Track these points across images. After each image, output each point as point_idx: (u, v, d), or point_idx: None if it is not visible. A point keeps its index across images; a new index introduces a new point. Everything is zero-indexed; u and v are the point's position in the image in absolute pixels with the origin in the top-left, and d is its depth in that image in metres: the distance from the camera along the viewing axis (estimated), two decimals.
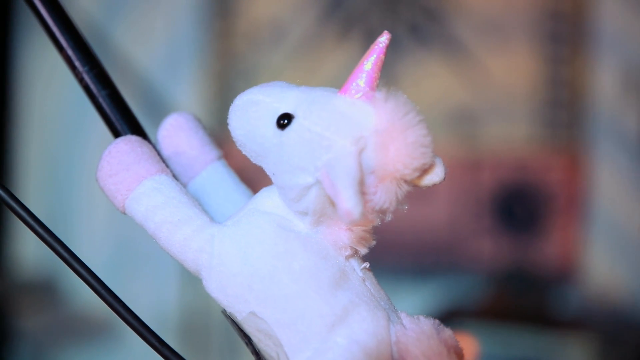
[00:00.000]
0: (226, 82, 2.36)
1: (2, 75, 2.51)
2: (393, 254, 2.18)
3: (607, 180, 2.21)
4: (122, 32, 2.43)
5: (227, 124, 0.59)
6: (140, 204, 0.58)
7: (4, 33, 2.51)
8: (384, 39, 0.57)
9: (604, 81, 2.23)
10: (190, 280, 2.20)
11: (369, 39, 2.17)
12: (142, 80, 2.24)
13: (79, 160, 2.47)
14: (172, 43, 2.45)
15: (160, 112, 2.14)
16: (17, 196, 0.59)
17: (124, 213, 0.59)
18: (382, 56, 0.57)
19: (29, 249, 2.44)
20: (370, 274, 0.59)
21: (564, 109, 2.22)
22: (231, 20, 2.38)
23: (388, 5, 2.29)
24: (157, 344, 0.59)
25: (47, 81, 2.49)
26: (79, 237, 2.32)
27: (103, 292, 0.59)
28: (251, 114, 0.58)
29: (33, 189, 2.47)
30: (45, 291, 2.38)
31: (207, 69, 2.40)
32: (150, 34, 2.45)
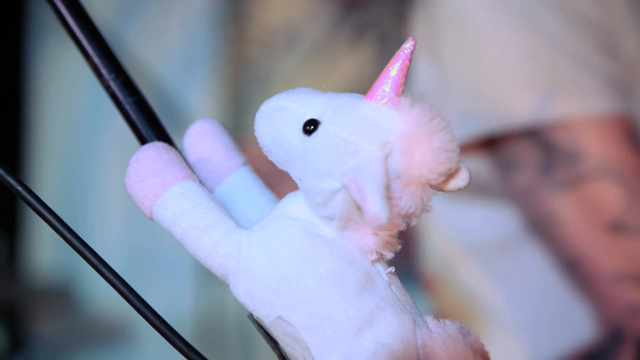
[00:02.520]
0: (239, 87, 2.36)
1: (16, 79, 2.52)
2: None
3: None
4: (136, 37, 2.44)
5: (254, 130, 0.60)
6: (167, 209, 0.59)
7: (17, 36, 2.52)
8: (409, 45, 0.58)
9: None
10: (206, 286, 2.20)
11: (382, 44, 2.17)
12: (156, 86, 2.25)
13: (93, 167, 2.47)
14: (185, 48, 2.46)
15: (173, 117, 2.15)
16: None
17: (152, 219, 0.60)
18: (407, 62, 0.57)
19: (44, 255, 2.45)
20: (395, 278, 0.59)
21: None
22: (245, 25, 2.39)
23: (401, 10, 2.29)
24: (183, 347, 0.59)
25: (60, 85, 2.51)
26: (93, 243, 2.33)
27: (127, 292, 0.60)
28: (277, 120, 0.58)
29: (46, 195, 2.49)
30: (60, 297, 2.39)
31: (221, 74, 2.41)
32: (164, 40, 2.46)
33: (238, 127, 2.24)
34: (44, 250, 2.44)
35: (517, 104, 1.06)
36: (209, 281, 2.10)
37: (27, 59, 2.54)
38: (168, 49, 2.46)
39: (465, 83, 1.09)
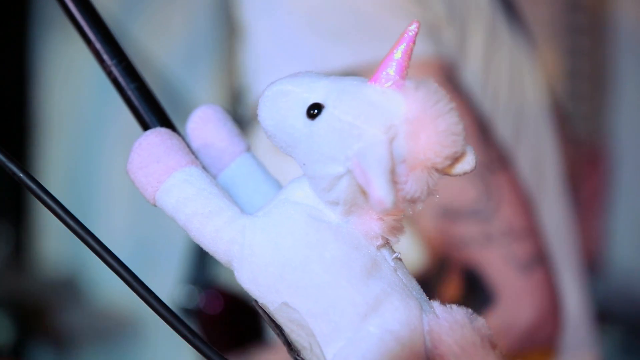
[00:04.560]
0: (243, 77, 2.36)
1: (22, 71, 2.52)
2: None
3: (629, 172, 2.19)
4: (140, 27, 2.43)
5: (257, 115, 0.59)
6: (170, 196, 0.58)
7: (22, 29, 2.52)
8: (413, 27, 0.57)
9: (624, 73, 2.21)
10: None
11: None
12: (160, 76, 2.25)
13: (98, 157, 2.47)
14: (189, 38, 2.46)
15: (178, 106, 2.15)
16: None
17: (155, 205, 0.59)
18: (411, 44, 0.57)
19: (50, 247, 2.46)
20: (401, 264, 0.59)
21: (585, 101, 2.21)
22: None
23: None
24: (188, 334, 0.59)
25: (66, 76, 2.50)
26: (98, 232, 2.33)
27: (131, 279, 0.59)
28: (281, 104, 0.58)
29: (52, 185, 2.48)
30: (67, 289, 2.40)
31: (225, 64, 2.40)
32: (168, 29, 2.46)
33: (240, 118, 2.23)
34: (51, 243, 2.45)
35: (331, 54, 1.11)
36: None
37: (32, 51, 2.53)
38: (172, 40, 2.46)
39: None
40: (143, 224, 2.32)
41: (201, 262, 1.60)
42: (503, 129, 1.21)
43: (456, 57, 1.17)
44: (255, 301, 0.58)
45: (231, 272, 0.58)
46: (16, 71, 2.52)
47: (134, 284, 0.59)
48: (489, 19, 1.22)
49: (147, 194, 0.59)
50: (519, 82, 1.26)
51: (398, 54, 0.57)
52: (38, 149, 2.52)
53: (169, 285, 2.27)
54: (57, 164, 2.50)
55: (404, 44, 0.57)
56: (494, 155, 1.12)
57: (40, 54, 2.52)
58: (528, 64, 1.30)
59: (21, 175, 0.58)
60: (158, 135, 0.59)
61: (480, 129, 1.12)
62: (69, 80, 2.50)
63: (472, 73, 1.19)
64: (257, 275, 0.57)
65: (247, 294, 0.58)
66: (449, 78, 1.13)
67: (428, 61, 1.12)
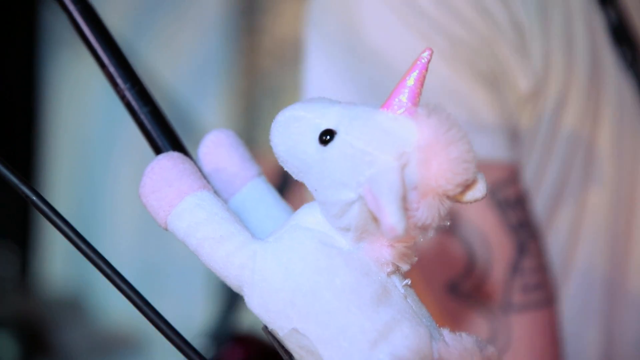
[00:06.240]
0: (252, 99, 2.37)
1: (30, 88, 2.53)
2: None
3: None
4: (150, 49, 2.44)
5: (269, 141, 0.59)
6: (182, 220, 0.58)
7: (31, 45, 2.53)
8: (426, 54, 0.57)
9: None
10: (216, 298, 2.20)
11: None
12: (169, 97, 2.25)
13: (106, 175, 2.48)
14: (198, 60, 2.46)
15: (186, 128, 2.15)
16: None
17: (166, 229, 0.59)
18: (424, 72, 0.57)
19: (56, 268, 2.46)
20: (411, 291, 0.59)
21: None
22: (257, 37, 2.39)
23: None
24: (196, 358, 0.59)
25: (74, 94, 2.51)
26: (106, 253, 2.33)
27: (139, 302, 0.59)
28: (293, 130, 0.58)
29: (59, 204, 2.49)
30: (72, 309, 2.39)
31: (233, 86, 2.41)
32: (177, 51, 2.47)
33: (250, 139, 2.24)
34: (56, 263, 2.44)
35: None
36: (219, 293, 2.09)
37: (41, 67, 2.55)
38: (181, 61, 2.47)
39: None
40: (150, 243, 2.32)
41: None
42: None
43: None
44: (265, 327, 0.58)
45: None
46: (25, 89, 2.53)
47: (142, 305, 0.59)
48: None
49: (159, 218, 0.59)
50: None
51: (411, 81, 0.57)
52: (46, 165, 2.52)
53: (176, 306, 2.27)
54: (64, 181, 2.51)
55: (417, 71, 0.57)
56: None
57: (49, 72, 2.53)
58: None
59: (34, 197, 0.58)
60: (170, 159, 0.60)
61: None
62: (77, 98, 2.51)
63: None
64: (267, 301, 0.57)
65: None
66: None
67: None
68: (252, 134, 2.24)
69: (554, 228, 1.02)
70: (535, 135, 0.99)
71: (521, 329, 0.92)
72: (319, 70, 0.99)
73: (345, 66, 0.96)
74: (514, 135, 0.96)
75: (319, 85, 0.99)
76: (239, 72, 2.41)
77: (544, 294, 0.94)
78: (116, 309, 2.31)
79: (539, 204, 1.00)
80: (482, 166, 0.56)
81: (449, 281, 0.91)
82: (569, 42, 1.01)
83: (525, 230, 0.94)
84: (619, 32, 1.08)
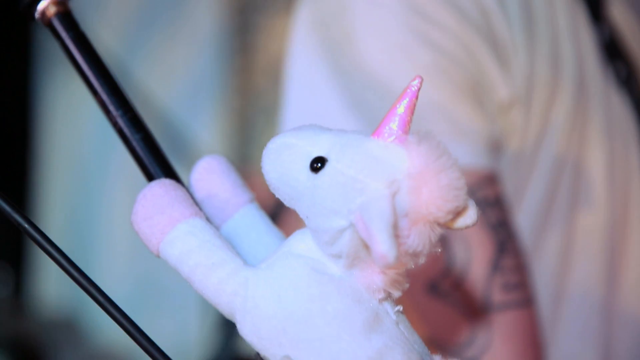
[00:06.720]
0: (246, 118, 2.37)
1: (24, 111, 2.53)
2: None
3: None
4: (143, 67, 2.44)
5: (261, 168, 0.59)
6: (174, 247, 0.58)
7: (25, 67, 2.53)
8: (416, 82, 0.58)
9: None
10: (211, 316, 2.19)
11: None
12: (163, 116, 2.25)
13: (99, 197, 2.47)
14: (192, 79, 2.47)
15: (180, 147, 2.16)
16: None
17: (159, 256, 0.60)
18: (414, 100, 0.57)
19: (50, 289, 2.45)
20: (403, 317, 0.59)
21: None
22: (251, 56, 2.40)
23: None
24: None
25: (67, 116, 2.51)
26: (100, 275, 2.33)
27: (134, 332, 0.59)
28: (284, 157, 0.58)
29: (53, 226, 2.48)
30: (66, 330, 2.38)
31: (227, 105, 2.41)
32: (170, 70, 2.47)
33: (245, 158, 2.24)
34: (50, 284, 2.44)
35: None
36: (214, 311, 2.09)
37: (35, 89, 2.55)
38: (175, 79, 2.47)
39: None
40: (144, 265, 2.31)
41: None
42: None
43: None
44: (257, 354, 0.58)
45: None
46: (18, 110, 2.53)
47: (138, 337, 0.59)
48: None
49: (151, 245, 0.59)
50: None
51: (401, 109, 0.57)
52: (39, 187, 2.52)
53: (171, 327, 2.26)
54: (58, 203, 2.50)
55: (407, 99, 0.57)
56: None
57: (42, 93, 2.53)
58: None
59: (26, 226, 0.58)
60: (162, 186, 0.60)
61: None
62: (71, 118, 2.51)
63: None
64: (259, 328, 0.57)
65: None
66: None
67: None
68: (247, 153, 2.24)
69: (542, 251, 1.02)
70: (520, 156, 0.99)
71: (501, 328, 0.92)
72: (302, 82, 1.01)
73: (329, 80, 0.97)
74: (494, 144, 0.97)
75: (301, 100, 1.00)
76: (233, 91, 2.41)
77: (524, 294, 0.94)
78: (110, 329, 2.30)
79: (524, 228, 1.00)
80: (463, 172, 0.56)
81: (428, 281, 0.91)
82: (555, 61, 1.02)
83: (504, 230, 0.93)
84: (612, 49, 1.09)
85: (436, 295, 0.92)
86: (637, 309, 1.07)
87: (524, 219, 1.00)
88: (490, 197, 0.93)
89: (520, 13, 0.99)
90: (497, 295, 0.92)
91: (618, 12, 1.12)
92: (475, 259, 0.91)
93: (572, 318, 1.03)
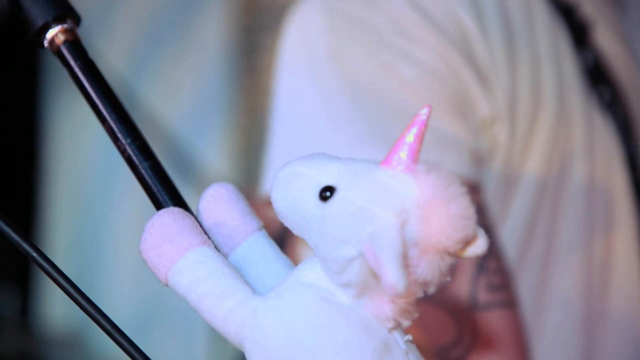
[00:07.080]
0: (253, 138, 2.37)
1: (31, 133, 2.54)
2: None
3: None
4: (150, 88, 2.46)
5: (270, 197, 0.59)
6: (182, 276, 0.58)
7: (32, 90, 2.55)
8: (424, 111, 0.58)
9: None
10: (219, 340, 2.19)
11: None
12: (170, 136, 2.26)
13: (106, 220, 2.48)
14: (199, 99, 2.48)
15: (187, 167, 2.16)
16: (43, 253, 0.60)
17: (167, 285, 0.59)
18: (423, 129, 0.57)
19: (56, 309, 2.45)
20: (413, 346, 0.59)
21: None
22: (258, 76, 2.41)
23: None
24: None
25: (74, 139, 2.52)
26: (106, 299, 2.32)
27: (129, 347, 0.59)
28: (293, 186, 0.58)
29: (59, 249, 2.49)
30: (71, 349, 2.38)
31: (235, 125, 2.42)
32: (177, 90, 2.48)
33: (251, 178, 2.24)
34: (56, 303, 2.44)
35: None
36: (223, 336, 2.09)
37: (42, 113, 2.56)
38: (182, 99, 2.48)
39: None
40: (151, 289, 2.31)
41: None
42: None
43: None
44: None
45: None
46: (26, 132, 2.54)
47: (129, 348, 0.59)
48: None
49: (160, 274, 0.59)
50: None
51: (410, 138, 0.57)
52: (46, 207, 2.53)
53: (178, 349, 2.26)
54: (64, 226, 2.51)
55: (416, 128, 0.57)
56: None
57: (50, 115, 2.54)
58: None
59: (34, 254, 0.58)
60: (171, 215, 0.60)
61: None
62: (77, 143, 2.51)
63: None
64: (268, 358, 0.57)
65: None
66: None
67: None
68: (253, 173, 2.25)
69: (524, 266, 1.03)
70: (504, 174, 1.01)
71: (487, 327, 0.93)
72: (289, 99, 1.03)
73: (316, 97, 0.99)
74: (478, 157, 0.99)
75: (289, 117, 1.02)
76: (240, 111, 2.42)
77: (508, 295, 0.95)
78: (114, 349, 2.30)
79: (509, 245, 1.02)
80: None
81: None
82: (536, 84, 1.04)
83: (488, 234, 0.94)
84: (596, 73, 1.11)
85: (422, 296, 0.92)
86: (619, 319, 1.08)
87: (508, 236, 1.02)
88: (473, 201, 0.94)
89: (501, 36, 1.02)
90: (482, 296, 0.93)
91: (603, 38, 1.15)
92: (460, 260, 0.92)
93: (554, 328, 1.05)
